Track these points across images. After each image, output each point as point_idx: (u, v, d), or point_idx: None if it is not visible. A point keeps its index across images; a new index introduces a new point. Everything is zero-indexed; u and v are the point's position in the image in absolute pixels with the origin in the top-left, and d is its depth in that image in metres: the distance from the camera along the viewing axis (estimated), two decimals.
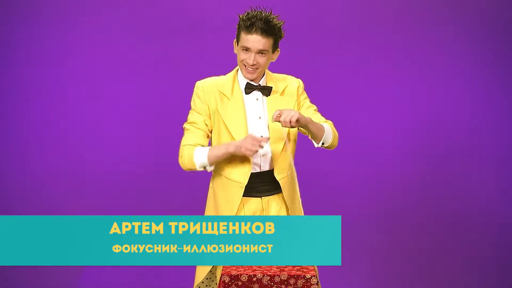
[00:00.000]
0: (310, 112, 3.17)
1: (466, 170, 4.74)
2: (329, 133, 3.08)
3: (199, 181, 4.62)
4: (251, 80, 3.10)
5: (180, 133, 4.68)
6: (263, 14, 2.98)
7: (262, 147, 2.94)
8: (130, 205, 4.73)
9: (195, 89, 3.15)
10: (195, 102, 3.13)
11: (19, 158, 4.70)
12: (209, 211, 3.20)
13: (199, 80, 3.18)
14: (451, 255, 4.76)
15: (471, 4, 4.68)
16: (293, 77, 3.23)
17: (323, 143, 3.09)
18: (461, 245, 4.76)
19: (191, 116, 3.13)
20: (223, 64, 4.58)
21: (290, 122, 2.90)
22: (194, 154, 3.04)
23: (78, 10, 4.66)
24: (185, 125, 3.14)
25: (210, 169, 3.07)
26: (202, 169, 3.06)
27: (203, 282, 3.20)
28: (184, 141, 3.10)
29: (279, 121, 2.94)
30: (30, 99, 4.69)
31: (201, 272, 3.17)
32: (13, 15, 4.66)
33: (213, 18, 4.67)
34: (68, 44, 4.68)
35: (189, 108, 4.71)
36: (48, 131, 4.70)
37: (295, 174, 3.15)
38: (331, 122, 3.18)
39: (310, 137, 3.12)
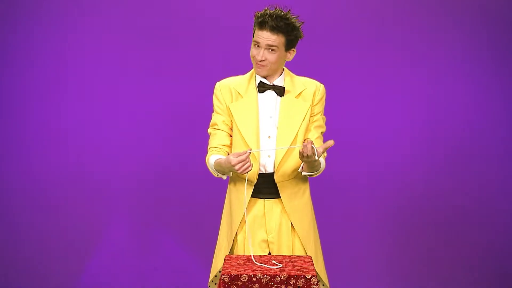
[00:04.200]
0: (315, 134, 3.13)
1: (466, 169, 4.74)
2: (321, 168, 3.10)
3: (199, 182, 4.63)
4: (265, 78, 3.11)
5: (180, 132, 4.69)
6: (276, 12, 3.01)
7: (249, 166, 2.88)
8: (130, 205, 4.73)
9: (214, 90, 3.19)
10: (214, 102, 3.18)
11: (19, 158, 4.70)
12: (226, 209, 3.22)
13: (218, 80, 3.21)
14: (452, 255, 4.76)
15: (471, 4, 4.68)
16: (314, 81, 3.19)
17: (308, 173, 3.09)
18: (463, 245, 4.75)
19: (212, 118, 3.18)
20: (223, 64, 4.60)
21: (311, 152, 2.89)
22: (208, 161, 3.11)
23: (78, 10, 4.66)
24: (208, 130, 3.19)
25: (224, 177, 3.10)
26: (218, 176, 3.10)
27: (219, 271, 3.16)
28: (209, 145, 3.16)
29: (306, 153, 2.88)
30: (30, 99, 4.69)
31: (218, 263, 3.15)
32: (13, 15, 4.66)
33: (213, 18, 4.67)
34: (68, 44, 4.68)
35: (189, 107, 4.74)
36: (48, 131, 4.70)
37: (305, 180, 3.16)
38: (324, 154, 3.15)
39: (301, 162, 3.06)
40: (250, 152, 2.89)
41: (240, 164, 2.87)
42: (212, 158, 3.08)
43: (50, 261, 4.72)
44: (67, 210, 4.71)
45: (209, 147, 3.14)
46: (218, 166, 3.02)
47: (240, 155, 2.87)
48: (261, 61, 3.05)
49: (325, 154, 3.16)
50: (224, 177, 3.11)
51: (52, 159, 4.70)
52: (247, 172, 2.91)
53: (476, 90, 4.73)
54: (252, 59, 3.11)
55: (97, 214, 4.72)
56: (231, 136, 3.14)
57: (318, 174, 3.12)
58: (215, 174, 3.10)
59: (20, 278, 4.71)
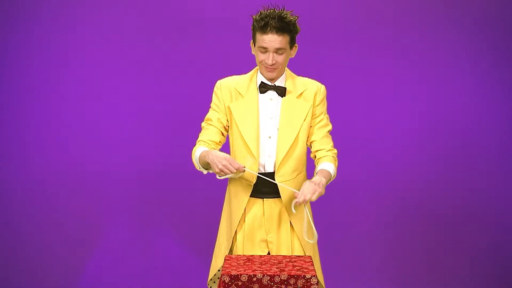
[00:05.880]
0: (320, 134, 3.14)
1: (466, 169, 4.74)
2: (332, 175, 3.11)
3: (199, 182, 4.63)
4: (270, 80, 3.11)
5: (181, 132, 4.69)
6: (276, 12, 2.99)
7: (229, 174, 2.89)
8: (130, 205, 4.73)
9: (214, 87, 3.19)
10: (213, 99, 3.18)
11: (19, 158, 4.70)
12: (225, 208, 3.22)
13: (220, 79, 3.21)
14: (452, 255, 4.75)
15: (471, 4, 4.68)
16: (315, 82, 3.19)
17: None
18: (463, 245, 4.75)
19: (208, 114, 3.19)
20: (223, 64, 4.60)
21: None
22: (194, 152, 3.10)
23: (78, 10, 4.66)
24: (202, 123, 3.20)
25: (205, 172, 3.09)
26: (200, 170, 3.09)
27: (219, 270, 3.16)
28: (199, 137, 3.16)
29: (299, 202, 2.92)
30: (30, 99, 4.69)
31: (217, 263, 3.16)
32: (13, 15, 4.66)
33: (213, 18, 4.67)
34: (68, 44, 4.68)
35: (189, 107, 4.74)
36: (48, 131, 4.70)
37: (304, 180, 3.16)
38: (335, 152, 3.15)
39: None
40: (243, 171, 2.89)
41: (224, 168, 2.86)
42: (199, 150, 3.07)
43: (50, 261, 4.72)
44: (67, 210, 4.71)
45: (198, 140, 3.14)
46: (205, 153, 3.00)
47: (236, 164, 2.86)
48: (272, 64, 3.04)
49: (335, 152, 3.16)
50: (205, 172, 3.09)
51: (52, 159, 4.70)
52: (218, 174, 2.91)
53: (476, 90, 4.73)
54: (259, 64, 3.09)
55: (97, 214, 4.72)
56: (222, 135, 3.15)
57: (330, 180, 3.13)
58: (196, 166, 3.10)
59: (20, 278, 4.71)
